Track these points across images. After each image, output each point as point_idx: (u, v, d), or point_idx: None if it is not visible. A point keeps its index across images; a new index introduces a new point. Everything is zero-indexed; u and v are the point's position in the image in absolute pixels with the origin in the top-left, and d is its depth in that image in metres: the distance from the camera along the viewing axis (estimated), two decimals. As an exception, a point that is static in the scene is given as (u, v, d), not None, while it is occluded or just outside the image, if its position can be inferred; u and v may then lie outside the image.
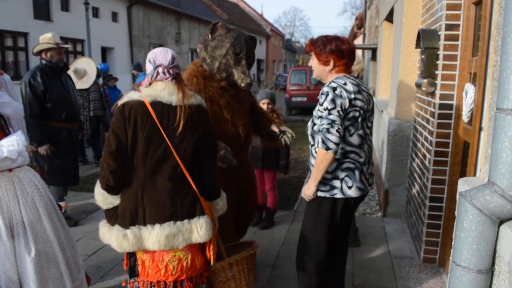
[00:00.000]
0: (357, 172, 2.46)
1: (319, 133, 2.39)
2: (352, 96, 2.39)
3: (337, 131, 2.30)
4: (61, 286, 2.43)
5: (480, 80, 2.73)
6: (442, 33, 3.25)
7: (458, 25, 3.19)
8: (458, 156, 3.21)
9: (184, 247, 2.10)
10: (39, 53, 4.28)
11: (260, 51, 38.45)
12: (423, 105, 3.83)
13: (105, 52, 17.48)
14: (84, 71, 7.07)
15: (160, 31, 21.83)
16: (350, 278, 3.32)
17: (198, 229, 2.09)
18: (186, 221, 2.10)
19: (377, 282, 3.30)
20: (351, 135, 2.44)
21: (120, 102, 2.12)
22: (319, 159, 2.34)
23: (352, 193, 2.47)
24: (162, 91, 2.10)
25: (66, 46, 4.52)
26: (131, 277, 2.30)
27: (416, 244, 3.77)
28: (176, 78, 2.19)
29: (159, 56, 2.19)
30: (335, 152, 2.31)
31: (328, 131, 2.31)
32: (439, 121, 3.31)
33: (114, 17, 18.20)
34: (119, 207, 2.15)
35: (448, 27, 3.22)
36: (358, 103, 2.41)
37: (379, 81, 7.36)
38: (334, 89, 2.39)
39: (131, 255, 2.29)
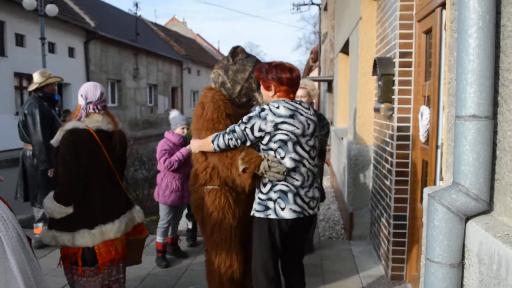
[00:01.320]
0: (290, 195, 2.50)
1: (262, 151, 2.56)
2: (279, 120, 2.46)
3: (227, 140, 2.60)
4: None
5: (434, 102, 2.94)
6: (397, 60, 3.48)
7: (411, 52, 3.43)
8: (417, 175, 3.38)
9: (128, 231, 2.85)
10: (39, 87, 4.56)
11: (218, 85, 38.89)
12: (382, 129, 4.03)
13: (61, 88, 17.16)
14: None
15: (117, 67, 21.74)
16: (321, 300, 3.36)
17: (138, 215, 2.94)
18: (129, 212, 2.86)
19: (348, 302, 3.36)
20: (282, 158, 2.49)
21: (66, 129, 2.59)
22: (205, 141, 2.74)
23: (285, 214, 2.50)
24: (102, 121, 2.67)
25: (60, 79, 4.89)
26: (84, 266, 2.74)
27: (383, 263, 3.87)
28: (105, 109, 2.76)
29: (90, 93, 2.72)
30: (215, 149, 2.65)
31: (222, 136, 2.62)
32: (398, 142, 3.50)
33: (71, 52, 18.04)
34: (77, 215, 2.63)
35: (402, 55, 3.45)
36: (286, 126, 2.46)
37: (337, 110, 7.65)
38: (262, 110, 2.51)
39: (88, 249, 2.71)
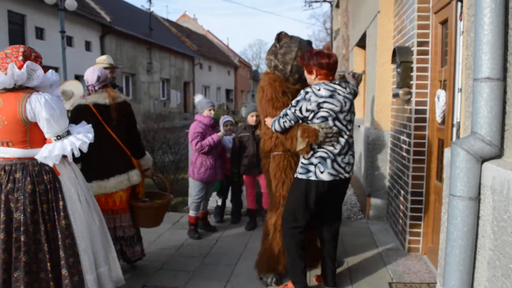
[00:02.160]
0: (328, 161, 2.97)
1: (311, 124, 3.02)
2: (321, 100, 2.92)
3: (283, 123, 3.06)
4: (111, 251, 2.96)
5: (450, 85, 3.26)
6: (415, 49, 3.80)
7: (428, 42, 3.75)
8: (434, 154, 3.70)
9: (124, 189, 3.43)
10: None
11: (229, 82, 39.30)
12: (399, 114, 4.35)
13: (78, 79, 17.60)
14: (71, 93, 7.32)
15: (132, 61, 22.15)
16: (345, 266, 3.71)
17: (134, 176, 3.47)
18: (127, 173, 3.42)
19: (370, 268, 3.70)
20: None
21: (72, 106, 3.35)
22: (268, 122, 3.29)
23: (324, 177, 2.98)
24: (99, 97, 3.32)
25: (119, 66, 5.25)
26: None
27: (400, 238, 4.20)
28: (105, 87, 3.40)
29: (89, 77, 3.37)
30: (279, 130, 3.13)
31: (278, 120, 3.09)
32: (416, 124, 3.82)
33: (88, 46, 18.48)
34: (81, 170, 3.05)
35: (420, 44, 3.77)
36: (327, 105, 2.92)
37: (353, 101, 7.95)
38: (306, 93, 2.96)
39: None
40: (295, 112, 3.00)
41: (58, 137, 2.52)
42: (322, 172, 2.97)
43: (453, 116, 3.23)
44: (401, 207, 4.17)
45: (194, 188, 4.68)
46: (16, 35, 14.35)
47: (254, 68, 57.19)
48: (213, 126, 4.66)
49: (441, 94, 3.38)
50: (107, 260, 2.85)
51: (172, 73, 27.34)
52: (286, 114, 3.05)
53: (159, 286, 3.42)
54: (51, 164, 2.52)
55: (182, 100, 28.86)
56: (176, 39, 30.03)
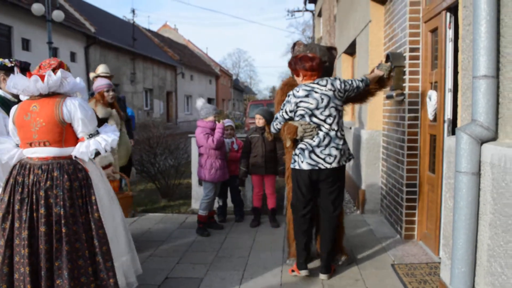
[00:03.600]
0: (306, 152, 3.42)
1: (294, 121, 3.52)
2: (298, 100, 3.42)
3: (275, 125, 3.61)
4: (131, 246, 3.15)
5: (441, 86, 3.67)
6: (407, 54, 4.21)
7: (419, 48, 4.17)
8: (426, 148, 4.10)
9: None
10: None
11: (210, 90, 39.60)
12: (392, 114, 4.75)
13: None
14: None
15: (116, 71, 22.20)
16: (350, 254, 4.05)
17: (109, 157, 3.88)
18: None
19: (371, 253, 4.06)
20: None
21: None
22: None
23: (304, 166, 3.44)
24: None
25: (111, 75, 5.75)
26: None
27: (397, 227, 4.58)
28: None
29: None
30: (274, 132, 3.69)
31: (273, 123, 3.66)
32: (409, 122, 4.22)
33: (73, 56, 18.54)
34: None
35: (411, 50, 4.19)
36: (303, 104, 3.39)
37: (341, 106, 8.36)
38: (288, 95, 3.50)
39: None
40: (282, 114, 3.54)
41: (91, 136, 2.83)
42: (302, 162, 3.44)
43: (444, 113, 3.64)
44: (396, 198, 4.55)
45: (205, 189, 4.95)
46: (3, 47, 14.38)
47: (234, 77, 57.64)
48: (213, 129, 4.94)
49: (433, 94, 3.79)
50: (129, 250, 3.11)
51: (155, 83, 27.50)
52: (276, 118, 3.60)
53: (182, 277, 3.69)
54: (86, 159, 2.81)
55: (165, 109, 29.01)
56: (158, 49, 30.23)
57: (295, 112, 3.44)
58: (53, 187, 2.69)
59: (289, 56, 3.84)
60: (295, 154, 3.50)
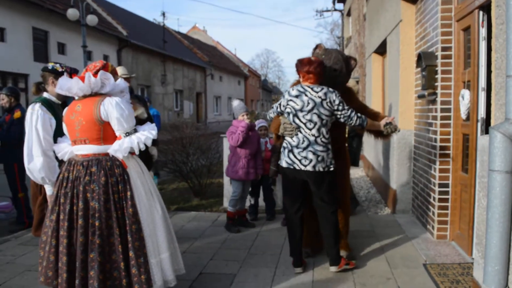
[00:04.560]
0: (286, 151, 3.62)
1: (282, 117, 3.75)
2: (290, 98, 3.59)
3: (269, 113, 4.00)
4: (173, 241, 3.20)
5: (474, 85, 3.64)
6: (439, 53, 4.19)
7: (451, 47, 4.14)
8: (459, 147, 4.07)
9: None
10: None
11: (239, 91, 39.87)
12: (424, 113, 4.73)
13: (98, 93, 18.17)
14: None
15: (147, 73, 22.76)
16: (381, 253, 4.07)
17: None
18: None
19: (403, 252, 4.06)
20: None
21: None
22: None
23: (283, 163, 3.66)
24: None
25: (133, 76, 5.58)
26: None
27: (429, 227, 4.55)
28: None
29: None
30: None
31: (268, 112, 4.01)
32: (441, 121, 4.20)
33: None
34: None
35: (443, 49, 4.17)
36: (291, 103, 3.55)
37: (371, 105, 8.33)
38: (284, 94, 3.74)
39: None
40: (276, 106, 3.79)
41: (127, 134, 2.90)
42: (282, 159, 3.67)
43: (477, 113, 3.61)
44: (429, 198, 4.53)
45: (232, 185, 5.09)
46: (40, 51, 14.97)
47: (262, 77, 57.81)
48: (251, 129, 5.04)
49: (466, 93, 3.76)
50: (169, 248, 3.12)
51: (185, 84, 27.94)
52: (272, 107, 3.88)
53: (216, 273, 3.80)
54: (120, 157, 2.88)
55: (194, 110, 29.41)
56: (188, 51, 30.68)
57: (285, 109, 3.63)
58: (90, 182, 2.81)
59: None
60: (281, 151, 3.73)
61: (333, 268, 3.67)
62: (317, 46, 3.92)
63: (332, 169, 3.60)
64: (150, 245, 2.92)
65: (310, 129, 3.50)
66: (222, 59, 38.00)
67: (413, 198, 5.32)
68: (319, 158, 3.51)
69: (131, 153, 2.98)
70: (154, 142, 5.50)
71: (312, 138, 3.50)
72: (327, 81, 3.67)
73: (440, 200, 4.26)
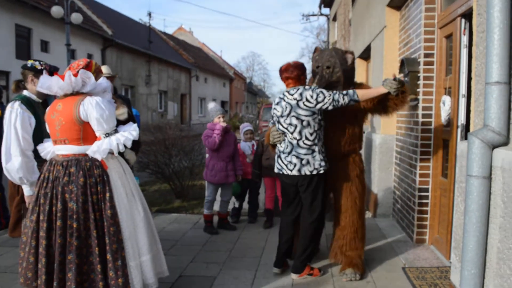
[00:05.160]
0: (276, 156, 3.68)
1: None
2: (274, 107, 3.68)
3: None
4: (155, 243, 3.14)
5: (455, 91, 3.70)
6: (421, 60, 4.25)
7: (433, 53, 4.20)
8: (439, 153, 4.12)
9: None
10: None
11: (224, 93, 39.82)
12: (406, 118, 4.78)
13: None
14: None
15: (131, 73, 22.55)
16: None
17: None
18: None
19: (383, 256, 4.09)
20: None
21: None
22: None
23: (275, 169, 3.70)
24: None
25: (116, 75, 5.33)
26: None
27: (408, 231, 4.60)
28: None
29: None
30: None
31: None
32: (423, 127, 4.25)
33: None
34: None
35: (426, 55, 4.22)
36: (274, 111, 3.65)
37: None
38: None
39: None
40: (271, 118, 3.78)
41: (107, 135, 2.84)
42: (275, 165, 3.71)
43: (457, 119, 3.67)
44: (408, 202, 4.58)
45: (207, 188, 5.09)
46: (22, 48, 14.71)
47: (248, 80, 57.84)
48: (226, 131, 4.99)
49: (447, 99, 3.82)
50: (151, 250, 3.06)
51: (170, 85, 27.78)
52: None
53: (196, 275, 3.77)
54: (99, 158, 2.83)
55: (179, 112, 29.26)
56: (174, 52, 30.53)
57: (272, 118, 3.72)
58: (69, 183, 2.76)
59: (303, 60, 3.94)
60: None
61: (294, 276, 3.65)
62: (315, 49, 3.95)
63: (322, 171, 3.49)
64: (129, 247, 2.87)
65: (292, 133, 3.48)
66: (207, 60, 37.90)
67: (393, 202, 5.37)
68: (303, 162, 3.46)
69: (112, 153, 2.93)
70: (137, 144, 5.38)
71: (294, 142, 3.48)
72: (323, 80, 3.62)
73: (420, 204, 4.31)
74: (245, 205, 5.64)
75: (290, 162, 3.51)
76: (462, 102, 3.62)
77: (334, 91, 3.44)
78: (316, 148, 3.47)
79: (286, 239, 3.74)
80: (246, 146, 5.42)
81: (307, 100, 3.40)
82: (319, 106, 3.40)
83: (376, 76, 5.93)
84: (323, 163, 3.50)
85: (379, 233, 4.86)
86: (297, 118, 3.44)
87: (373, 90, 3.52)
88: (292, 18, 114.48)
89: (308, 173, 3.47)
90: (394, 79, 3.42)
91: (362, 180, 3.82)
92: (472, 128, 2.57)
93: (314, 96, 3.38)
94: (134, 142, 3.30)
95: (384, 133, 5.47)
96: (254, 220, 5.49)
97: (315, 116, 3.44)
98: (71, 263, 2.67)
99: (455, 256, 2.69)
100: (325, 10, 20.28)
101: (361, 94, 3.44)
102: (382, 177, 5.52)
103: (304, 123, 3.43)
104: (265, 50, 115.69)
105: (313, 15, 21.14)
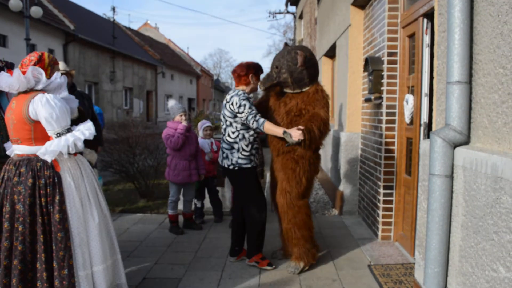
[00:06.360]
0: None
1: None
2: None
3: None
4: (113, 253, 2.95)
5: (418, 90, 3.75)
6: (385, 58, 4.29)
7: (396, 52, 4.25)
8: (403, 150, 4.18)
9: None
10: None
11: (191, 90, 39.39)
12: (371, 117, 4.83)
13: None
14: None
15: (95, 69, 21.92)
16: (328, 254, 4.11)
17: None
18: None
19: (349, 254, 4.12)
20: None
21: None
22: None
23: None
24: None
25: (72, 71, 5.01)
26: None
27: (374, 228, 4.65)
28: None
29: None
30: None
31: None
32: (387, 125, 4.30)
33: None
34: None
35: (389, 54, 4.27)
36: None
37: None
38: None
39: None
40: None
41: (58, 135, 2.67)
42: None
43: (420, 117, 3.72)
44: (373, 200, 4.63)
45: (170, 188, 4.97)
46: (-22, 42, 14.04)
47: (215, 77, 57.50)
48: (188, 130, 4.89)
49: (410, 98, 3.87)
50: (106, 260, 2.86)
51: (135, 82, 27.20)
52: None
53: (160, 277, 3.67)
54: (49, 160, 2.66)
55: (144, 109, 28.72)
56: (139, 48, 29.91)
57: None
58: (18, 184, 2.63)
59: (271, 57, 3.92)
60: None
61: (246, 260, 3.93)
62: (284, 45, 3.98)
63: (237, 169, 3.70)
64: (79, 256, 2.69)
65: (224, 129, 3.76)
66: (174, 57, 37.35)
67: (359, 199, 5.43)
68: (224, 155, 3.76)
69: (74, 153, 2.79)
70: (98, 142, 5.17)
71: (223, 137, 3.79)
72: (269, 79, 3.74)
73: (385, 202, 4.36)
74: (208, 204, 5.55)
75: (222, 153, 3.80)
76: (425, 101, 3.67)
77: (253, 112, 3.55)
78: (236, 146, 3.69)
79: (235, 230, 3.97)
80: (205, 143, 5.30)
81: (232, 104, 3.63)
82: (237, 115, 3.63)
83: (342, 74, 5.97)
84: (241, 161, 3.69)
85: (345, 231, 4.90)
86: (224, 117, 3.75)
87: (277, 130, 3.53)
88: (259, 15, 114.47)
89: (226, 166, 3.76)
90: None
91: (299, 173, 3.70)
92: (434, 127, 2.60)
93: (237, 105, 3.59)
94: (95, 140, 3.15)
95: (350, 131, 5.52)
96: (220, 219, 5.42)
97: (237, 119, 3.66)
98: (15, 269, 2.54)
99: (418, 254, 2.72)
100: (292, 8, 20.37)
101: (267, 128, 3.56)
102: (348, 174, 5.56)
103: (227, 122, 3.71)
104: (233, 47, 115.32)
105: (280, 12, 21.19)
